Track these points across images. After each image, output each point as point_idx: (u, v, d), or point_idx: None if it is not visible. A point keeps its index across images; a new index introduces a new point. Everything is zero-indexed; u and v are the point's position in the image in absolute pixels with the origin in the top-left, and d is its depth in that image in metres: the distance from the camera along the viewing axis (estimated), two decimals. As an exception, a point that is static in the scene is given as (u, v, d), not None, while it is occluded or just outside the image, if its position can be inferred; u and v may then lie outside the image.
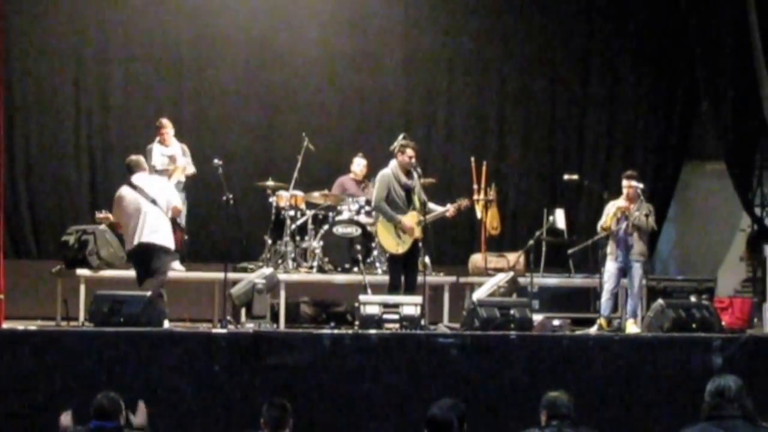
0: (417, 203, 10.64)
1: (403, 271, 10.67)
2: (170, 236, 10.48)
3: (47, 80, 13.24)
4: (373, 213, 11.40)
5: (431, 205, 10.81)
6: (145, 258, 10.39)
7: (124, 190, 10.48)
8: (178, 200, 10.79)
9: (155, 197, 10.37)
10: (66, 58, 13.26)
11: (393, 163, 10.72)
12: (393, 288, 10.65)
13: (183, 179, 11.94)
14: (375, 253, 11.67)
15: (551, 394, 6.28)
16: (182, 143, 12.10)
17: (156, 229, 10.32)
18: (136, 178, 10.46)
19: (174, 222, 10.73)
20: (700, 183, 14.49)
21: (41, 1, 13.17)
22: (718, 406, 5.63)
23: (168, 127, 11.98)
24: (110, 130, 13.33)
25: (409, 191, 10.66)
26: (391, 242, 10.67)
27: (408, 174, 10.67)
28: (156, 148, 11.90)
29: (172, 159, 11.89)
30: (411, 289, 10.59)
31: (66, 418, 6.96)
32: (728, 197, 13.67)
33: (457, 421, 5.91)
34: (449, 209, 10.94)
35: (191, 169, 12.04)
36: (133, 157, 10.71)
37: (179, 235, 11.15)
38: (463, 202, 11.06)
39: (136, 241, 10.34)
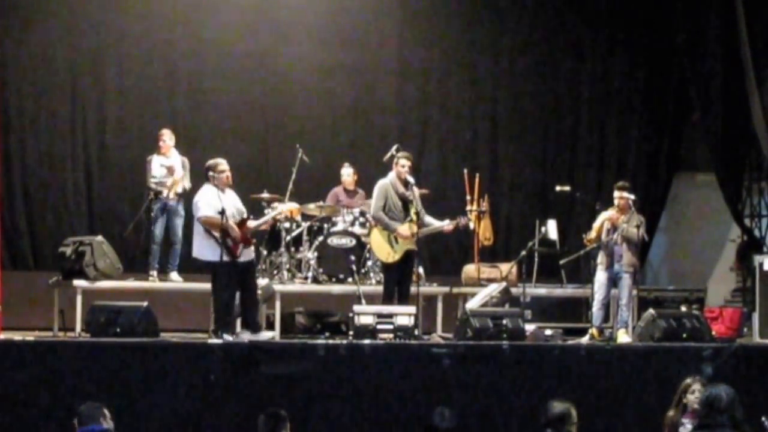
0: (413, 214, 10.65)
1: (397, 282, 10.70)
2: (201, 247, 10.22)
3: (43, 93, 13.23)
4: (367, 223, 11.50)
5: (429, 219, 10.84)
6: None
7: None
8: (204, 210, 10.18)
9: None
10: (62, 70, 13.27)
11: (392, 174, 10.78)
12: (387, 298, 10.66)
13: (180, 191, 11.99)
14: (369, 263, 11.74)
15: (553, 404, 6.36)
16: (183, 156, 12.08)
17: (193, 243, 10.40)
18: None
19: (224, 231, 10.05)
20: (691, 194, 14.57)
21: (36, 13, 13.19)
22: (708, 416, 5.70)
23: (167, 138, 11.96)
24: (107, 142, 13.33)
25: (406, 202, 10.70)
26: (383, 251, 10.70)
27: (406, 185, 10.72)
28: (155, 158, 11.88)
29: (170, 170, 11.85)
30: (404, 299, 10.63)
31: None
32: (718, 208, 13.78)
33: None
34: (448, 225, 10.92)
35: (187, 184, 11.94)
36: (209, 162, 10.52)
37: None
38: (462, 221, 11.05)
39: None
